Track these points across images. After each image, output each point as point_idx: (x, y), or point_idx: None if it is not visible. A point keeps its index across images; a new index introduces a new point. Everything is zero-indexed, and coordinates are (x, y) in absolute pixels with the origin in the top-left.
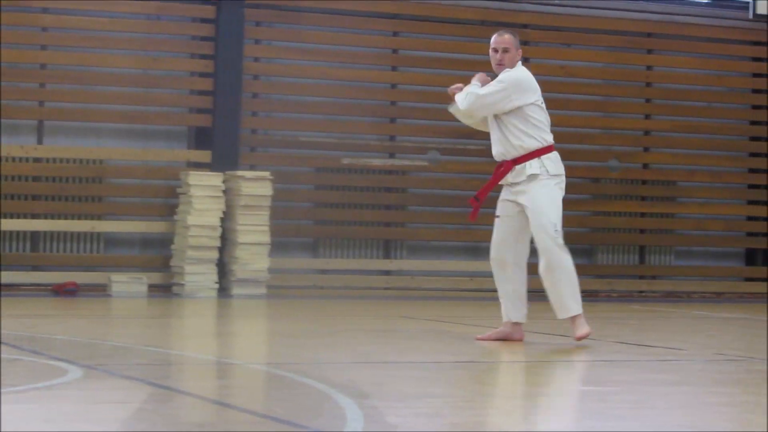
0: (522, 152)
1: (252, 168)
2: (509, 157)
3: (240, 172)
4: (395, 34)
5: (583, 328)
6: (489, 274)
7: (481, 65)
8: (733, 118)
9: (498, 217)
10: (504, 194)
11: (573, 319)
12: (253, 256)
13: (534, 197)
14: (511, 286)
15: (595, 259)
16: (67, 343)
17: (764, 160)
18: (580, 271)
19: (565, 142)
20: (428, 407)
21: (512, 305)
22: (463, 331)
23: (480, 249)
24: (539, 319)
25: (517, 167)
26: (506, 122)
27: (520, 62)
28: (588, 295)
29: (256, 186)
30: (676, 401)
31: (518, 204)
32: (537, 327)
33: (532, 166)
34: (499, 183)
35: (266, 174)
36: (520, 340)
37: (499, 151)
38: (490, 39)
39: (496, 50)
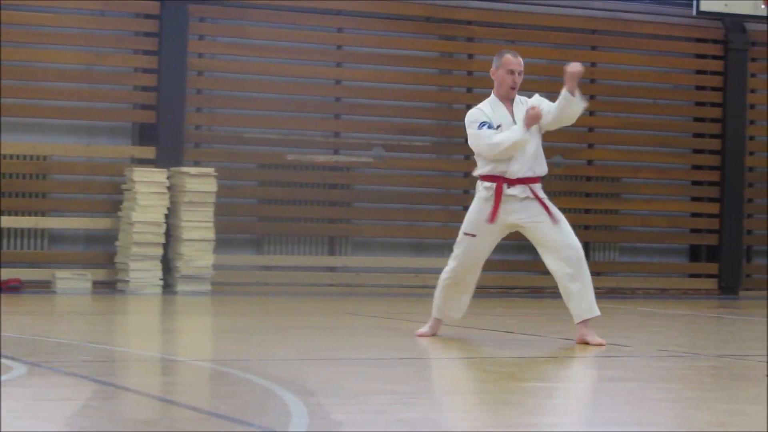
0: (540, 174)
1: (196, 164)
2: (532, 175)
3: (184, 169)
4: (340, 30)
5: (597, 337)
6: (434, 271)
7: (425, 61)
8: (678, 115)
9: (473, 236)
10: (499, 212)
11: (589, 321)
12: (198, 252)
13: (555, 211)
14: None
15: (539, 255)
16: (11, 340)
17: (708, 157)
18: (526, 267)
19: None
20: (374, 404)
21: (447, 310)
22: (408, 328)
23: (425, 245)
24: (489, 315)
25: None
26: (539, 143)
27: None
28: (533, 292)
29: (200, 182)
30: (621, 397)
31: (512, 223)
32: (484, 323)
33: (540, 188)
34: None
35: (210, 170)
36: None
37: (525, 168)
38: (435, 36)
39: (512, 72)
